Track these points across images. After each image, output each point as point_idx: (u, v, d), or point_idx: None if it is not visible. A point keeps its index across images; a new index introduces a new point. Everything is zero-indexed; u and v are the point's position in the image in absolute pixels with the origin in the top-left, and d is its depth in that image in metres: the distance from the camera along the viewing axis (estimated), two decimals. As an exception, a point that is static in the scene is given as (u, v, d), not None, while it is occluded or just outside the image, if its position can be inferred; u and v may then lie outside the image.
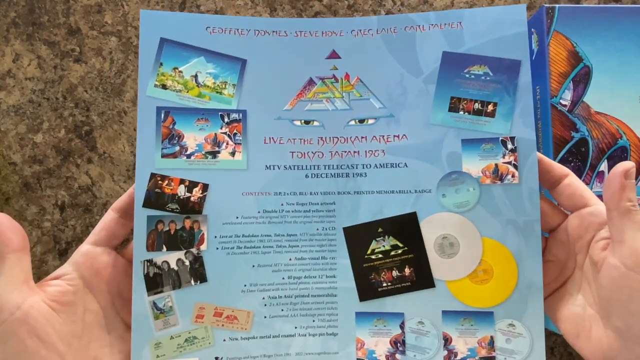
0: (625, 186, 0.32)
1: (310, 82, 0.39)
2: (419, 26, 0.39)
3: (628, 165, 0.33)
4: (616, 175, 0.32)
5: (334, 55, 0.39)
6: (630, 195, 0.32)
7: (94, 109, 0.55)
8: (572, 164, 0.48)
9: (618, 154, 0.48)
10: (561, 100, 0.49)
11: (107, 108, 0.55)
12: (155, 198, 0.38)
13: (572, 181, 0.36)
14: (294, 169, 0.39)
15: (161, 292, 0.38)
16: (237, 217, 0.38)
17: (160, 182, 0.38)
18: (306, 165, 0.39)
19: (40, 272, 0.53)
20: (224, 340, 0.38)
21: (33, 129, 0.54)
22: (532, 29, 0.53)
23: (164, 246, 0.38)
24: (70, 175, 0.54)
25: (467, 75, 0.38)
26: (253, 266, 0.38)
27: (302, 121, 0.39)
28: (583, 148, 0.48)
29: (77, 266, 0.36)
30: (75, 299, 0.35)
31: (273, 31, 0.39)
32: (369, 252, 0.38)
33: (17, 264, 0.33)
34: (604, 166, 0.49)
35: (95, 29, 0.56)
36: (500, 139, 0.38)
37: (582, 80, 0.48)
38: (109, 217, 0.37)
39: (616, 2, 0.56)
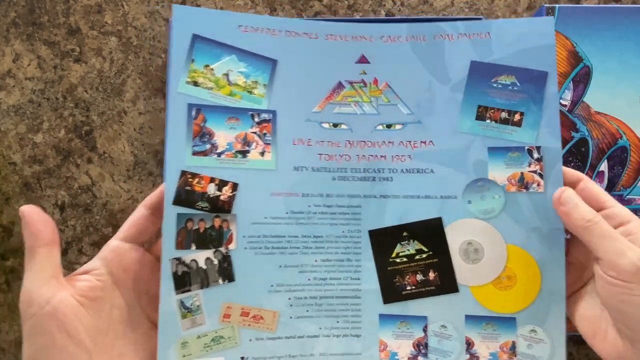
0: (569, 210, 0.34)
1: (339, 86, 0.40)
2: (448, 35, 0.40)
3: (558, 193, 0.35)
4: (556, 204, 0.35)
5: (363, 59, 0.40)
6: (578, 215, 0.34)
7: (94, 109, 0.55)
8: (572, 164, 0.48)
9: (618, 154, 0.48)
10: (561, 100, 0.49)
11: (107, 108, 0.55)
12: (185, 196, 0.37)
13: (586, 185, 0.36)
14: (322, 171, 0.39)
15: (189, 290, 0.37)
16: (265, 217, 0.38)
17: (190, 179, 0.38)
18: (333, 168, 0.39)
19: (40, 272, 0.53)
20: (250, 340, 0.38)
21: (33, 129, 0.54)
22: (532, 29, 0.53)
23: (193, 244, 0.37)
24: (70, 175, 0.54)
25: (494, 85, 0.39)
26: (280, 266, 0.38)
27: (331, 124, 0.39)
28: (583, 148, 0.48)
29: (105, 262, 0.35)
30: (103, 295, 0.35)
31: (304, 33, 0.40)
32: (393, 255, 0.39)
33: (47, 258, 0.33)
34: (604, 166, 0.49)
35: (95, 29, 0.56)
36: (526, 148, 0.38)
37: (582, 80, 0.48)
38: (139, 213, 0.37)
39: (616, 2, 0.56)
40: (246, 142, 0.38)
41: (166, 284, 0.37)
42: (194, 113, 0.38)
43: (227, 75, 0.39)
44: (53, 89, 0.55)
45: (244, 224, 0.38)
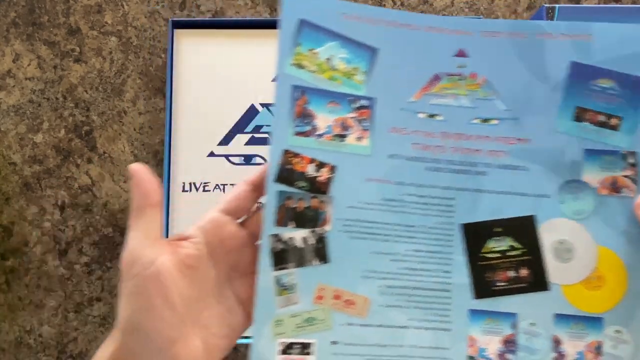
0: None
1: (437, 77, 0.40)
2: (549, 34, 0.40)
3: (639, 199, 0.36)
4: (637, 209, 0.35)
5: (461, 53, 0.40)
6: None
7: (94, 109, 0.55)
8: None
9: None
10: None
11: (107, 108, 0.55)
12: (286, 174, 0.38)
13: None
14: (416, 160, 0.39)
15: (286, 268, 0.37)
16: (358, 202, 0.38)
17: (291, 159, 0.38)
18: (427, 158, 0.39)
19: (40, 272, 0.53)
20: (341, 324, 0.38)
21: (33, 129, 0.54)
22: (532, 29, 0.53)
23: (291, 223, 0.38)
24: (70, 175, 0.54)
25: (593, 87, 0.39)
26: (371, 253, 0.38)
27: (427, 114, 0.39)
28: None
29: (204, 232, 0.35)
30: (199, 265, 0.34)
31: (405, 24, 0.40)
32: (485, 250, 0.39)
33: (154, 219, 0.33)
34: (604, 166, 0.49)
35: (95, 29, 0.56)
36: (621, 152, 0.39)
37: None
38: (241, 188, 0.36)
39: (616, 2, 0.56)
40: (345, 126, 0.39)
41: (265, 260, 0.37)
42: (297, 94, 0.39)
43: (329, 59, 0.40)
44: (53, 89, 0.55)
45: (340, 206, 0.38)
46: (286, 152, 0.38)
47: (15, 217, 0.52)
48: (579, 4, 0.56)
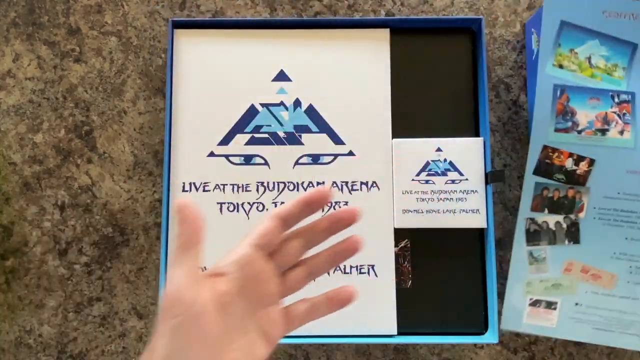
0: None
1: None
2: None
3: None
4: None
5: None
6: None
7: (94, 109, 0.55)
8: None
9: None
10: None
11: (107, 108, 0.55)
12: (544, 168, 0.44)
13: None
14: None
15: (538, 245, 0.46)
16: (618, 193, 0.43)
17: (550, 154, 0.44)
18: None
19: (40, 272, 0.53)
20: (586, 292, 0.45)
21: (33, 129, 0.54)
22: (532, 29, 0.53)
23: (546, 209, 0.45)
24: (70, 175, 0.54)
25: None
26: (626, 238, 0.43)
27: None
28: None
29: (239, 267, 0.35)
30: (232, 300, 0.35)
31: None
32: None
33: (197, 257, 0.34)
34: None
35: (95, 29, 0.56)
36: None
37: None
38: (272, 223, 0.37)
39: (616, 2, 0.55)
40: (606, 121, 0.43)
41: (519, 237, 0.45)
42: (558, 93, 0.43)
43: (589, 58, 0.43)
44: (53, 89, 0.55)
45: (597, 196, 0.43)
46: (545, 147, 0.43)
47: (15, 217, 0.52)
48: (578, 4, 0.56)
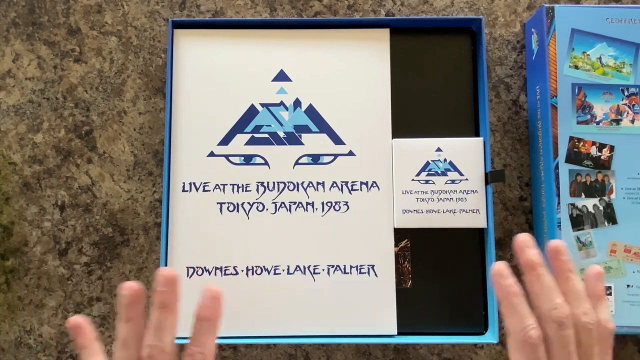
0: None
1: None
2: None
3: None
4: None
5: None
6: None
7: (94, 109, 0.55)
8: (574, 164, 0.49)
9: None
10: (563, 100, 0.50)
11: (107, 108, 0.55)
12: (574, 156, 0.49)
13: None
14: None
15: (582, 229, 0.49)
16: (638, 173, 0.49)
17: (577, 143, 0.49)
18: None
19: (40, 272, 0.53)
20: (634, 272, 0.48)
21: (33, 129, 0.54)
22: (532, 29, 0.53)
23: (582, 193, 0.49)
24: (70, 175, 0.54)
25: None
26: None
27: None
28: (586, 148, 0.49)
29: None
30: None
31: None
32: None
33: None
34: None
35: (95, 29, 0.56)
36: None
37: (584, 80, 0.49)
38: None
39: (616, 2, 0.56)
40: (619, 112, 0.49)
41: (566, 223, 0.49)
42: (576, 91, 0.50)
43: (600, 58, 0.50)
44: (53, 89, 0.55)
45: (621, 178, 0.49)
46: (572, 138, 0.49)
47: (15, 217, 0.52)
48: (579, 4, 0.56)
